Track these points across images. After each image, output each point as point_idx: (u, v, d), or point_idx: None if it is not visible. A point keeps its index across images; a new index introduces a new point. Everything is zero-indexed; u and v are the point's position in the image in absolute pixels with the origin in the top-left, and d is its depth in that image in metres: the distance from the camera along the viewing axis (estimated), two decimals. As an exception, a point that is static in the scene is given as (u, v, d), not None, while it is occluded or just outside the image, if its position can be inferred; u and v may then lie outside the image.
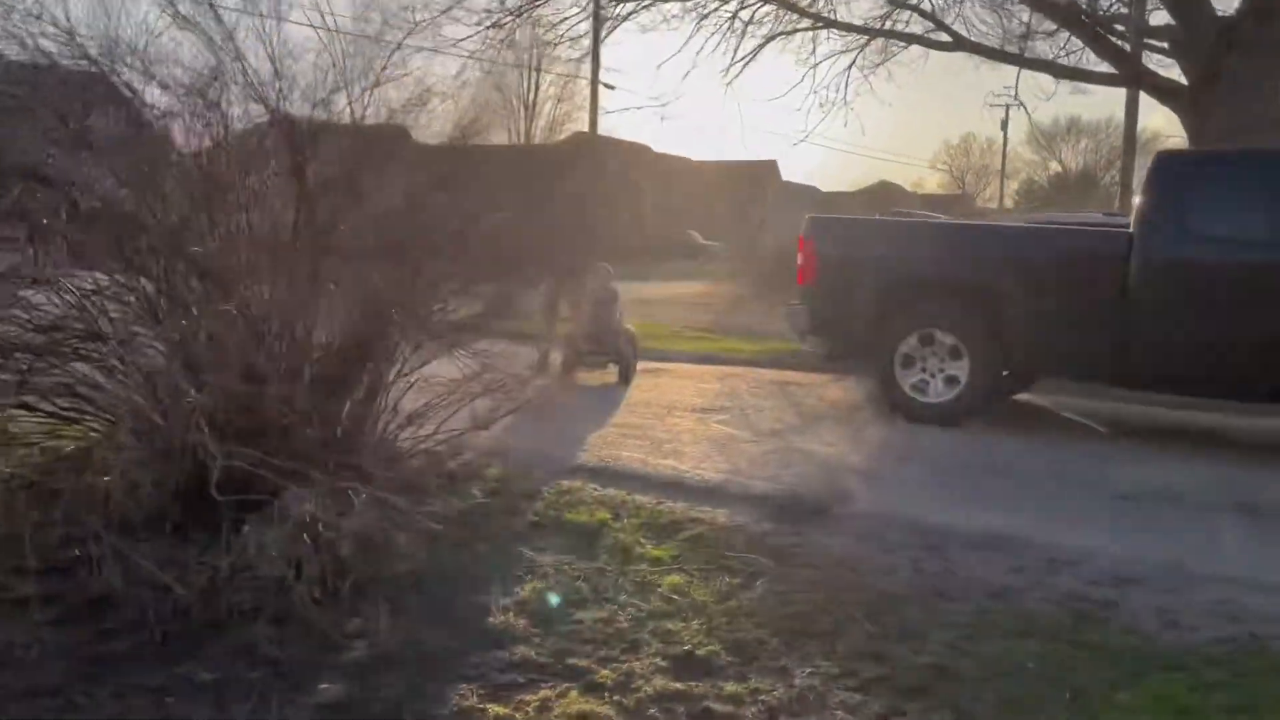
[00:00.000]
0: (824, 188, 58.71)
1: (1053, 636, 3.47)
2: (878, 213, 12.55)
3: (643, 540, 4.31)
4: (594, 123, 32.78)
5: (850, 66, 13.59)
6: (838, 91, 13.79)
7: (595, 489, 5.07)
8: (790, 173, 58.70)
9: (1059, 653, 3.35)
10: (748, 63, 12.47)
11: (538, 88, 42.44)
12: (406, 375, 4.67)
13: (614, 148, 39.59)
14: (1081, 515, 4.98)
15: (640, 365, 9.29)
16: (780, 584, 3.87)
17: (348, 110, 3.87)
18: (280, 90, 3.68)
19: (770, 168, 52.62)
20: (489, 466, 5.38)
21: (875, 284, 7.22)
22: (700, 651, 3.29)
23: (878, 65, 13.17)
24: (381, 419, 4.60)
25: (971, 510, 4.90)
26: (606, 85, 31.38)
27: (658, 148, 46.96)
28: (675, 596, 3.72)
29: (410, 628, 3.40)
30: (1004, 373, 7.40)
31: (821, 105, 13.83)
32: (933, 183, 67.60)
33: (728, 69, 12.26)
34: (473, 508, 4.60)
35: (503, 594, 3.69)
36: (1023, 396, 8.40)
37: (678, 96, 14.12)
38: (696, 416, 7.02)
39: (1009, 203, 58.49)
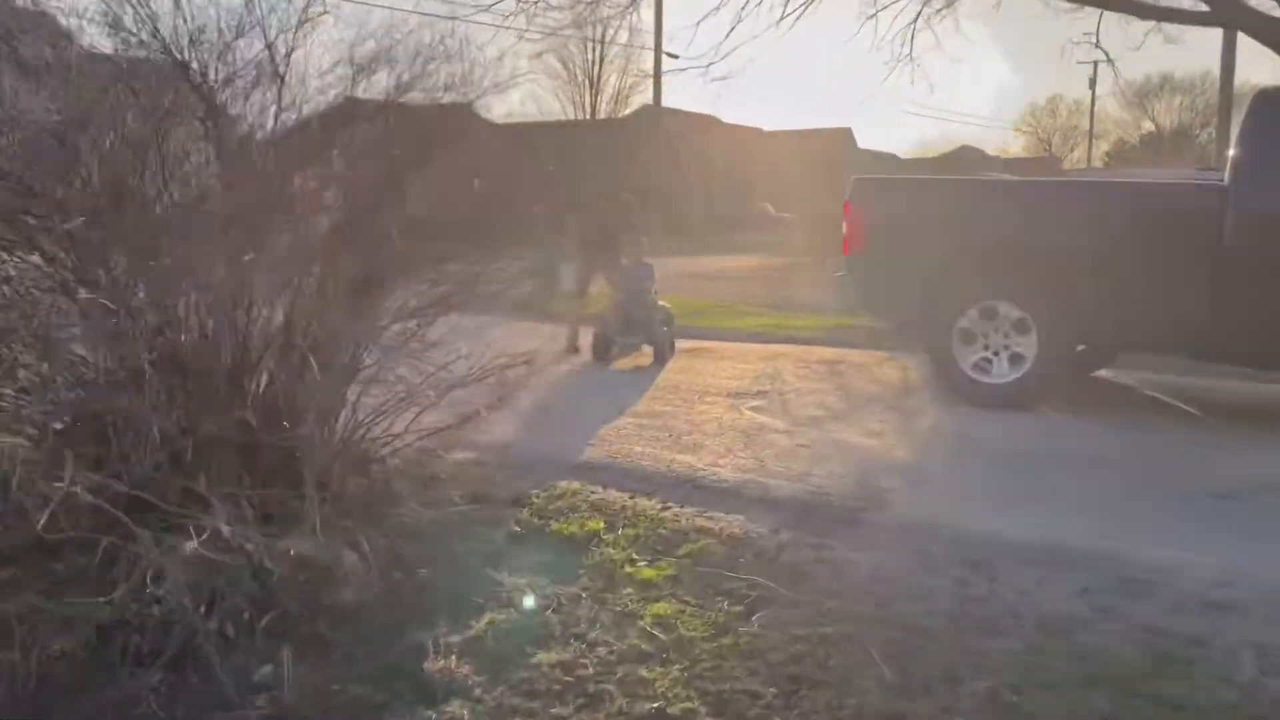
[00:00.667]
0: (903, 154, 57.18)
1: (1124, 688, 2.76)
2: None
3: (635, 557, 3.68)
4: (658, 94, 31.97)
5: (915, 19, 12.63)
6: (903, 45, 12.84)
7: (595, 491, 4.46)
8: (867, 140, 57.32)
9: (1131, 712, 2.64)
10: (800, 15, 11.59)
11: (601, 60, 41.63)
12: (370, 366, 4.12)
13: (681, 120, 38.74)
14: (1167, 519, 4.20)
15: (682, 344, 8.65)
16: (788, 613, 3.22)
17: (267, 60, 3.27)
18: (188, 34, 3.11)
19: (845, 135, 51.28)
20: (481, 465, 4.83)
21: (929, 251, 6.43)
22: (673, 709, 2.66)
23: (942, 10, 12.15)
24: (340, 416, 4.06)
25: (1033, 514, 4.16)
26: (670, 55, 30.47)
27: (728, 119, 45.99)
28: (658, 633, 3.09)
29: (329, 676, 2.84)
30: (1078, 348, 6.58)
31: (886, 63, 12.90)
32: (1018, 146, 65.27)
33: (779, 21, 11.39)
34: (447, 518, 4.02)
35: (452, 629, 3.11)
36: (1102, 373, 7.53)
37: (723, 56, 13.06)
38: (729, 403, 6.34)
39: (1098, 164, 56.10)
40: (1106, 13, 12.81)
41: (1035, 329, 6.13)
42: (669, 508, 4.26)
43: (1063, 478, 4.75)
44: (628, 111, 41.04)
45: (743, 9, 10.85)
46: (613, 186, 10.72)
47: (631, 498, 4.39)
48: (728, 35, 10.40)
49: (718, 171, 42.72)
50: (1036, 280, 6.17)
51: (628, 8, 10.87)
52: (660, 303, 8.43)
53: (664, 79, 31.98)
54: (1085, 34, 12.96)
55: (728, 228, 37.33)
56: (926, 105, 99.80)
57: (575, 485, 4.53)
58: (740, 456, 5.04)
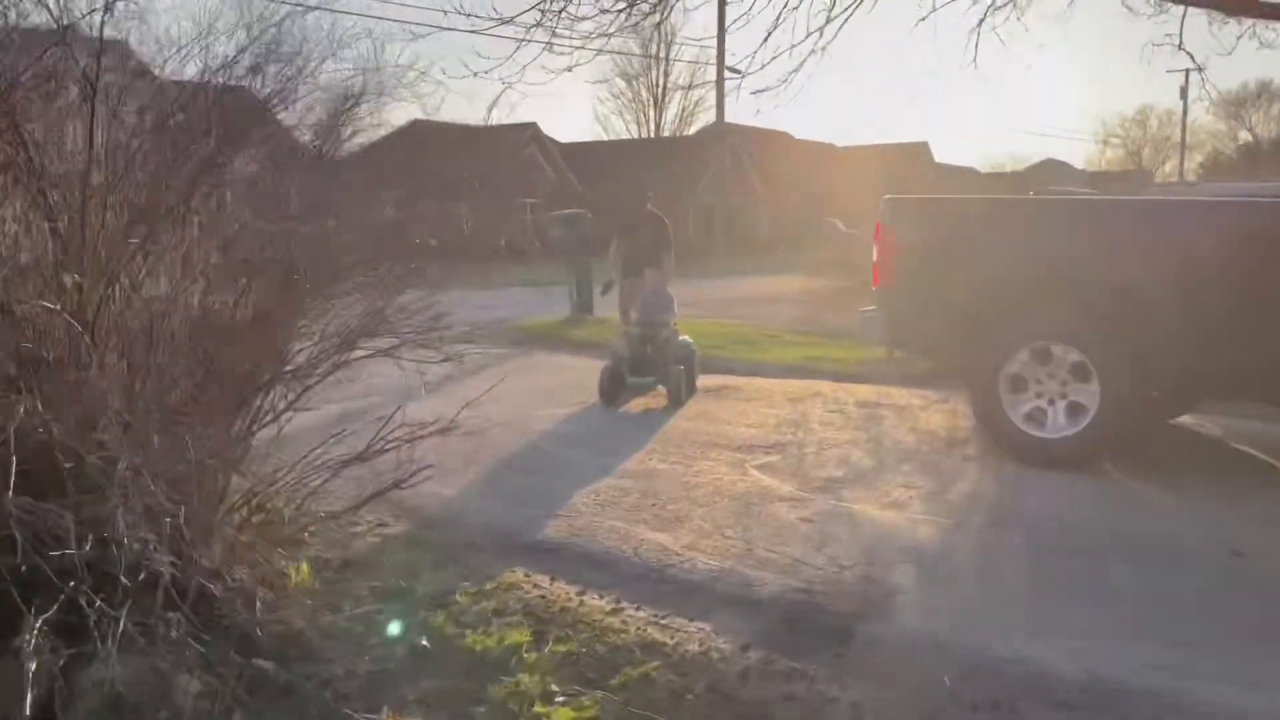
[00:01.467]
0: (982, 168, 55.55)
1: None
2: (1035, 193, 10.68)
3: (555, 689, 2.90)
4: (720, 111, 31.13)
5: (979, 24, 11.60)
6: (966, 49, 11.81)
7: (538, 585, 3.69)
8: (945, 154, 55.93)
9: None
10: (847, 18, 10.61)
11: (666, 77, 41.08)
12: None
13: (748, 136, 37.96)
14: (1255, 639, 3.26)
15: (707, 382, 7.83)
16: (729, 789, 2.40)
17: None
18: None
19: (921, 149, 49.93)
20: (416, 542, 4.12)
21: (972, 282, 5.52)
22: None
23: (1003, 7, 11.05)
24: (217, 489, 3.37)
25: (1077, 630, 3.26)
26: (732, 70, 29.60)
27: (799, 135, 45.16)
28: (544, 818, 2.31)
29: None
30: (1152, 394, 5.58)
31: (947, 71, 11.90)
32: (1105, 159, 63.01)
33: (823, 28, 10.46)
34: (346, 620, 3.30)
35: (276, 806, 2.37)
36: (1184, 419, 6.50)
37: (761, 66, 11.90)
38: (735, 459, 5.50)
39: (1191, 177, 53.72)
40: (1195, 19, 11.63)
41: (1097, 375, 5.18)
42: (620, 610, 3.47)
43: (1122, 572, 3.81)
44: (692, 130, 40.40)
45: (779, 17, 9.92)
46: (638, 197, 9.97)
47: (580, 593, 3.62)
48: (763, 42, 9.41)
49: (787, 188, 41.84)
50: (1099, 316, 5.22)
51: (649, 14, 10.03)
52: (681, 337, 7.63)
53: (735, 97, 31.14)
54: (1167, 35, 11.74)
55: (794, 245, 36.36)
56: (1010, 119, 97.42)
57: (517, 576, 3.77)
58: (727, 536, 4.20)
